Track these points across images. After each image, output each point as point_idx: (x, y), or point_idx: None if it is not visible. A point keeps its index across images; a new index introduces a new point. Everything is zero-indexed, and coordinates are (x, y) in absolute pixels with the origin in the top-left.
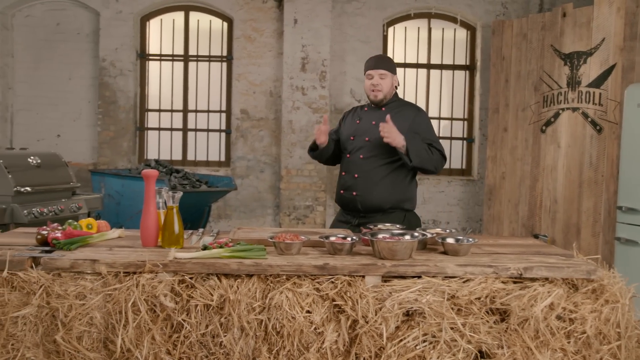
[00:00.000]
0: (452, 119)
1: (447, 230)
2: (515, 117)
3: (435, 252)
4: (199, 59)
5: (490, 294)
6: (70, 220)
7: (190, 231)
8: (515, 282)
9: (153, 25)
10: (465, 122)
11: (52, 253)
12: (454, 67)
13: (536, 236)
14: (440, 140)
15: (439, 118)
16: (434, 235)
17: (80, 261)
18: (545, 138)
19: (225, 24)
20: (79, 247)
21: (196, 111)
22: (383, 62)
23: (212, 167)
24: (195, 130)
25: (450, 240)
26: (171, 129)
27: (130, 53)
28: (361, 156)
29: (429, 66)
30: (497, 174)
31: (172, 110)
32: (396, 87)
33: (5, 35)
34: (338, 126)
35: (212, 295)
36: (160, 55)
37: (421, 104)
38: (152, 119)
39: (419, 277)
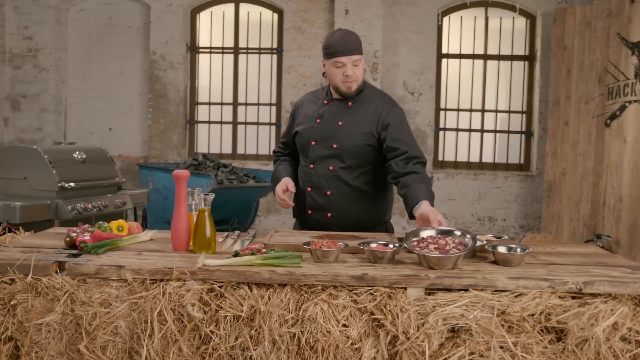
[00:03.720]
0: (509, 111)
1: (500, 237)
2: (577, 110)
3: (485, 262)
4: (249, 51)
5: (545, 311)
6: (100, 222)
7: (226, 233)
8: (574, 298)
9: (203, 17)
10: (524, 115)
11: (79, 257)
12: (512, 58)
13: (599, 236)
14: (497, 134)
15: (496, 111)
16: (484, 242)
17: (105, 267)
18: (610, 132)
19: (276, 16)
20: (107, 251)
21: (246, 104)
22: (354, 45)
23: (262, 161)
24: (245, 123)
25: (502, 249)
26: (221, 122)
27: (181, 46)
28: (330, 167)
29: (485, 57)
30: (558, 169)
31: (222, 104)
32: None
33: (59, 30)
34: (291, 122)
35: (242, 305)
36: (211, 47)
37: (477, 96)
38: (202, 112)
39: (466, 290)
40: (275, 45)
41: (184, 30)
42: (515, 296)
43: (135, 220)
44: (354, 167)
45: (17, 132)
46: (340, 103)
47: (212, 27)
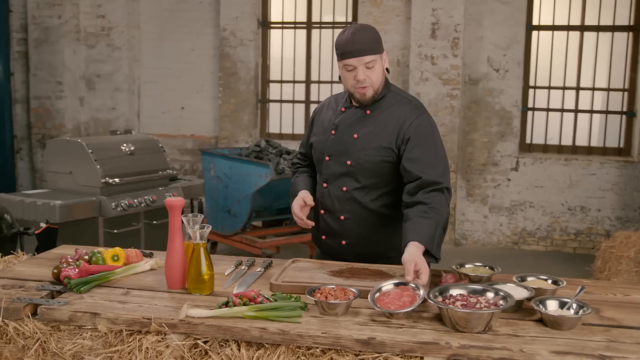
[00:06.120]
0: (609, 89)
1: (557, 283)
2: None
3: (529, 319)
4: (322, 26)
5: None
6: (93, 251)
7: (239, 259)
8: None
9: None
10: (626, 93)
11: (55, 299)
12: (613, 29)
13: None
14: (594, 115)
15: (593, 89)
16: (532, 292)
17: (79, 314)
18: None
19: None
20: (94, 287)
21: (319, 82)
22: (366, 44)
23: None
24: (318, 102)
25: (552, 306)
26: (293, 101)
27: (251, 21)
28: (344, 188)
29: (582, 28)
30: None
31: (294, 82)
32: (387, 71)
33: (131, 7)
34: (309, 130)
35: None
36: (282, 22)
37: (572, 73)
38: (273, 91)
39: None
40: (349, 19)
41: (255, 5)
42: None
43: (192, 211)
44: (371, 188)
45: (92, 112)
46: (358, 111)
47: (283, 1)
